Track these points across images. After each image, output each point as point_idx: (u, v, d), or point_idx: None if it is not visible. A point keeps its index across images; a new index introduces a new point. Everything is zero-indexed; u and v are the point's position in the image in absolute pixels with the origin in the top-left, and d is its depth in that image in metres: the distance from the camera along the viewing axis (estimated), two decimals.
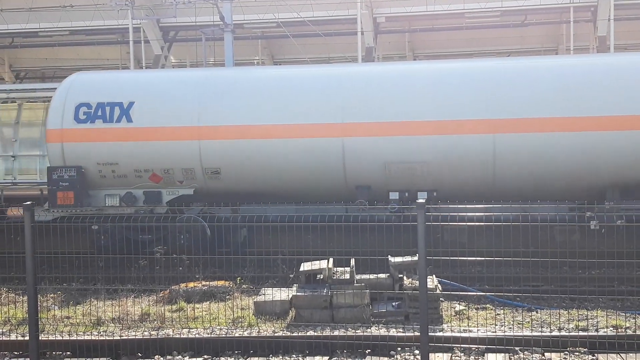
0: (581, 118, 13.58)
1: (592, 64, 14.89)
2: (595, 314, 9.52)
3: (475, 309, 10.20)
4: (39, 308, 8.16)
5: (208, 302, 10.70)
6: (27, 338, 8.08)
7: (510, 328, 8.99)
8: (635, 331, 8.66)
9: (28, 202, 7.79)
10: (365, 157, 14.02)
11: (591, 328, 8.89)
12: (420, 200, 7.19)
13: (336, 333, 8.62)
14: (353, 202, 13.95)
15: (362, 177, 14.18)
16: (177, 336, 8.72)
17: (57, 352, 8.47)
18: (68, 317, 9.98)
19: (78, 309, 10.53)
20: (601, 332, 8.54)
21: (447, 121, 13.82)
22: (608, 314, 9.36)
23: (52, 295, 11.23)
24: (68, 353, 8.42)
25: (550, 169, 13.67)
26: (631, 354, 7.78)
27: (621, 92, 13.68)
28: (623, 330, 8.75)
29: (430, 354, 7.38)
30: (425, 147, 13.84)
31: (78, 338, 8.68)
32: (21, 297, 10.57)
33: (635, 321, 9.15)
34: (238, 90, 14.70)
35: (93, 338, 8.69)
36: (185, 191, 14.61)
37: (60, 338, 8.72)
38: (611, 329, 8.83)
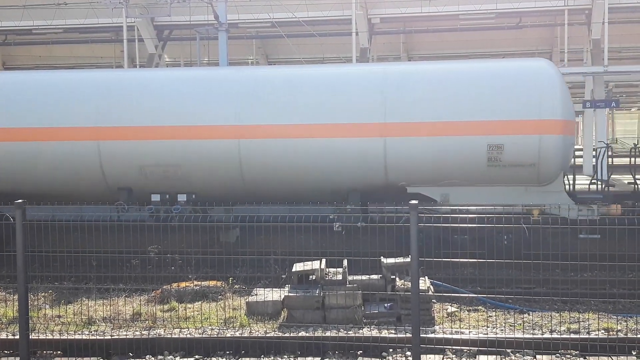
0: (319, 125, 14.21)
1: (334, 74, 15.37)
2: (587, 317, 9.54)
3: (468, 310, 10.20)
4: (29, 307, 8.12)
5: (200, 302, 10.67)
6: (17, 337, 8.04)
7: (502, 330, 8.99)
8: (626, 334, 8.67)
9: (20, 200, 7.75)
10: (121, 160, 14.65)
11: (583, 331, 8.89)
12: (412, 202, 7.18)
13: (328, 334, 8.60)
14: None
15: (121, 179, 14.84)
16: (169, 336, 8.69)
17: (48, 352, 8.43)
18: (59, 316, 9.93)
19: (69, 308, 10.48)
20: (593, 335, 8.55)
21: (196, 126, 14.47)
22: (600, 316, 9.37)
23: (43, 294, 11.18)
24: (59, 352, 8.39)
25: (293, 173, 14.32)
26: (622, 357, 7.80)
27: (353, 101, 14.29)
28: (615, 333, 8.76)
29: (421, 356, 7.37)
30: (177, 151, 14.51)
31: (69, 337, 8.62)
32: (12, 295, 10.53)
33: (627, 324, 9.16)
34: None
35: (84, 337, 8.64)
36: None
37: (51, 337, 8.67)
38: (603, 331, 8.83)
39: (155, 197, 14.68)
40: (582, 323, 9.24)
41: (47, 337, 8.65)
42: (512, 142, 13.67)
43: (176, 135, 14.46)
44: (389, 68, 15.51)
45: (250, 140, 14.33)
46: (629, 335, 8.56)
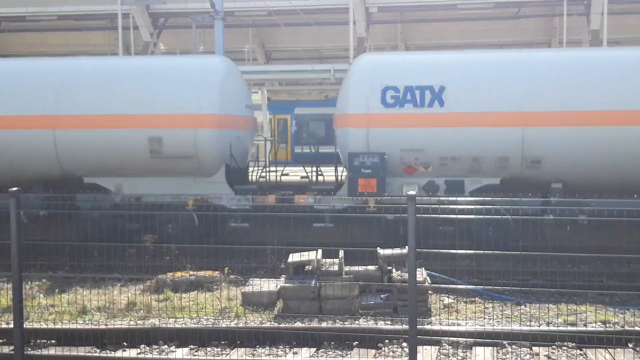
0: None
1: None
2: (584, 309, 9.52)
3: (464, 302, 10.19)
4: (24, 296, 8.07)
5: (195, 292, 10.65)
6: (11, 326, 8.00)
7: (499, 322, 8.98)
8: (623, 326, 8.66)
9: (14, 188, 7.69)
10: None
11: (579, 323, 8.89)
12: (410, 192, 7.13)
13: (324, 325, 8.58)
14: None
15: None
16: (164, 326, 8.66)
17: (42, 340, 8.40)
18: (53, 306, 9.90)
19: (63, 297, 10.44)
20: (589, 327, 8.55)
21: None
22: (597, 309, 9.35)
23: (37, 283, 11.13)
24: (53, 341, 8.36)
25: None
26: (619, 350, 7.78)
27: (25, 93, 15.03)
28: (611, 325, 8.75)
29: (418, 347, 7.33)
30: None
31: (63, 326, 8.60)
32: (6, 284, 10.48)
33: (624, 316, 9.16)
34: None
35: (78, 327, 8.61)
36: None
37: (45, 326, 8.65)
38: (599, 324, 8.83)
39: None
40: (579, 315, 9.23)
41: (41, 326, 8.65)
42: (171, 135, 14.56)
43: None
44: (64, 64, 16.14)
45: None
46: (626, 327, 8.55)
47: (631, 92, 13.80)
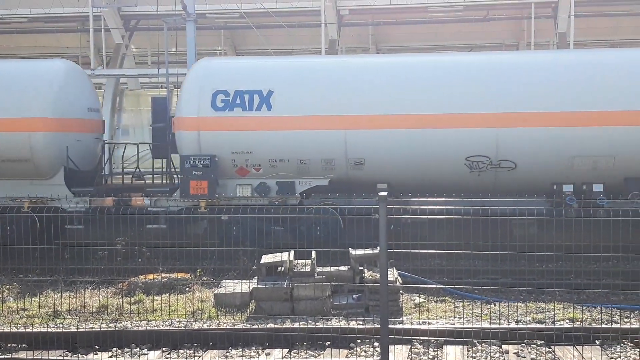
0: None
1: None
2: (552, 307, 9.66)
3: (435, 301, 10.28)
4: None
5: (167, 294, 10.62)
6: None
7: (469, 320, 9.08)
8: (591, 324, 8.80)
9: None
10: None
11: (548, 320, 9.02)
12: (382, 193, 7.19)
13: (296, 325, 8.62)
14: None
15: None
16: (136, 328, 8.64)
17: (12, 344, 8.33)
18: (24, 309, 9.83)
19: (34, 300, 10.36)
20: (558, 325, 8.67)
21: None
22: (564, 306, 9.49)
23: (7, 286, 11.04)
24: (23, 345, 8.29)
25: None
26: (587, 347, 7.91)
27: None
28: (579, 323, 8.89)
29: (389, 346, 7.40)
30: None
31: (34, 330, 8.54)
32: None
33: (591, 314, 9.30)
34: None
35: (49, 330, 8.55)
36: None
37: (16, 330, 8.58)
38: (567, 321, 8.96)
39: None
40: (547, 313, 9.36)
41: (11, 330, 8.56)
42: (4, 138, 15.02)
43: None
44: None
45: None
46: (593, 325, 8.68)
47: (439, 96, 14.38)
